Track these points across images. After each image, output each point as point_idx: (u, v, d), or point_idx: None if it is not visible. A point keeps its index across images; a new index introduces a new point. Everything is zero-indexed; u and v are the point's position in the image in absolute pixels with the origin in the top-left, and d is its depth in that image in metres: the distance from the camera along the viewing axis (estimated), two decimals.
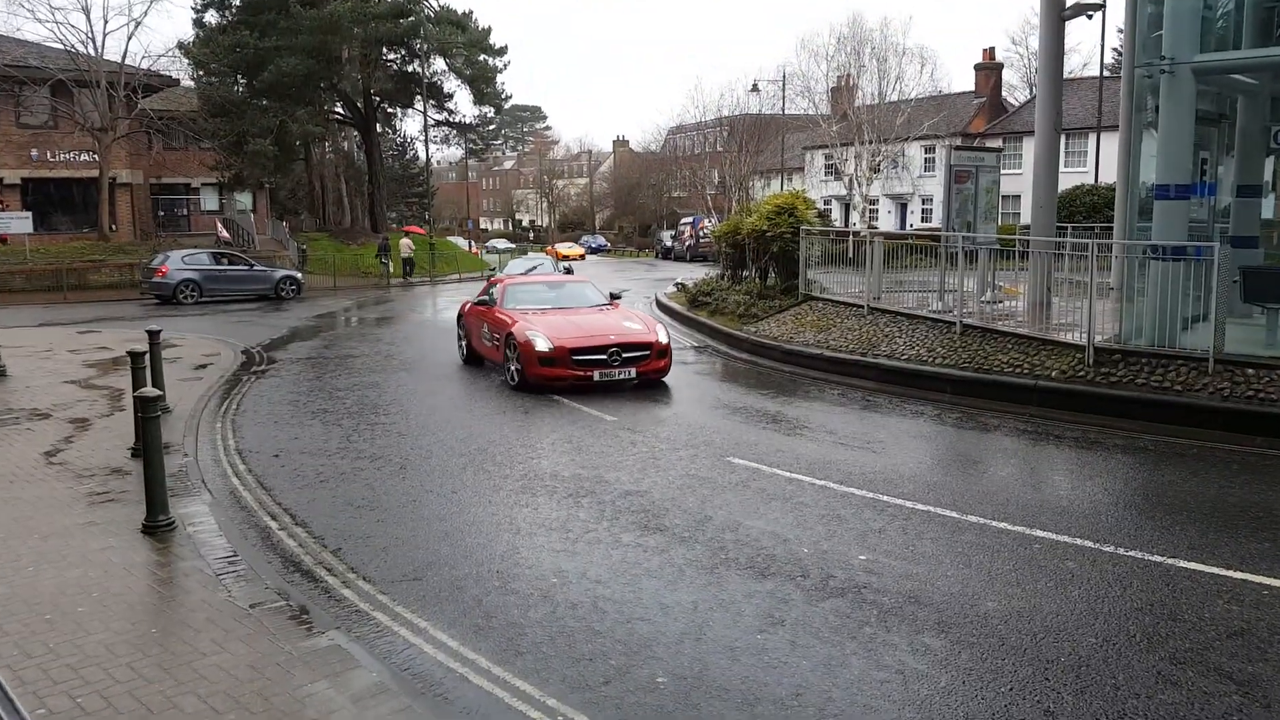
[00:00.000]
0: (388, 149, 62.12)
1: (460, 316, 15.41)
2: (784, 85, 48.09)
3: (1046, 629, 5.13)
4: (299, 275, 31.19)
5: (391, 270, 39.42)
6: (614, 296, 14.88)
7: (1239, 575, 5.82)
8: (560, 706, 4.46)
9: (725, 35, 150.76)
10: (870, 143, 42.61)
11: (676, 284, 26.26)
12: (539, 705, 4.49)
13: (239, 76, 40.48)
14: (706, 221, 49.64)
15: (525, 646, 5.05)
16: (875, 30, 53.46)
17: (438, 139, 54.29)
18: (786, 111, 49.64)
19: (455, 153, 76.39)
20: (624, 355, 12.13)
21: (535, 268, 27.18)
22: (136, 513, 7.02)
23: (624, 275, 38.84)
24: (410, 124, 71.33)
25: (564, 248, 58.85)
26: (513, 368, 12.32)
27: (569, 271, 27.45)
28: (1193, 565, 6.00)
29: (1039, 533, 6.64)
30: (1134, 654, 4.83)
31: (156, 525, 6.74)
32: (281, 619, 5.32)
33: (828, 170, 52.88)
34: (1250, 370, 9.94)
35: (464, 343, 15.04)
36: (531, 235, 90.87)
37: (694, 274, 28.62)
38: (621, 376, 12.08)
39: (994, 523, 6.87)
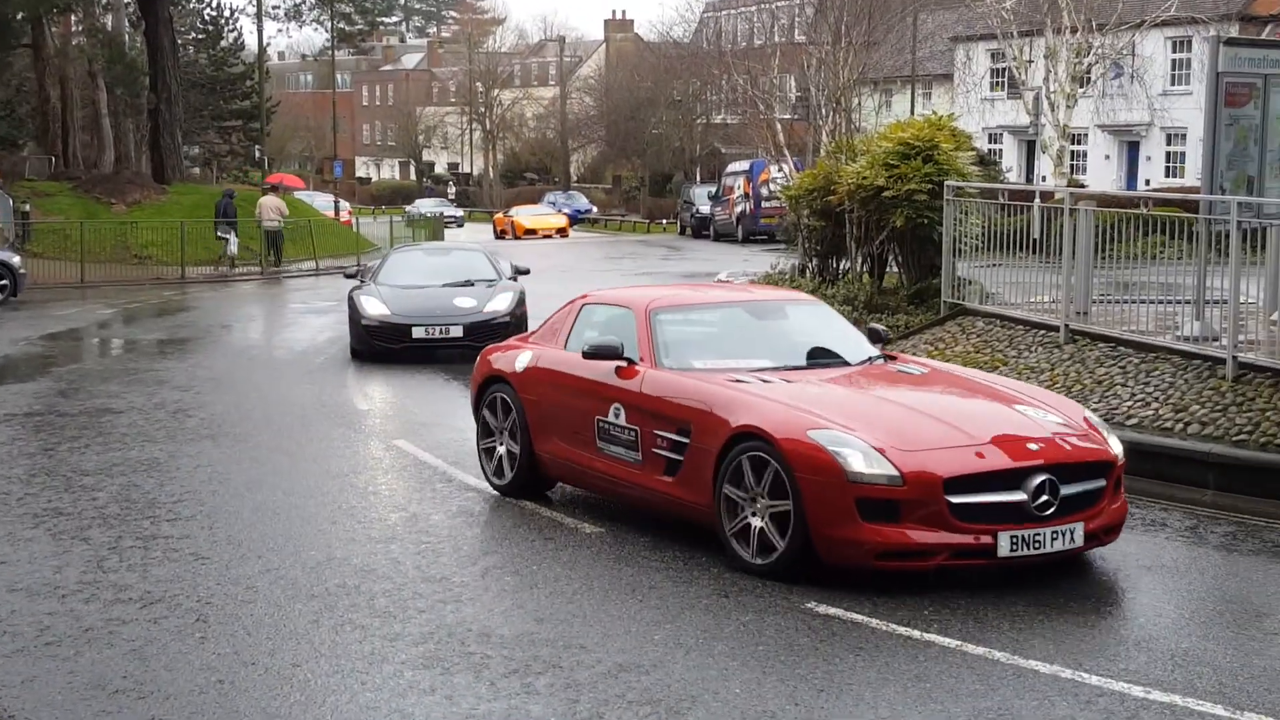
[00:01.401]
0: (186, 28, 62.17)
1: (489, 384, 12.22)
2: None
3: None
4: (16, 261, 31.11)
5: (236, 251, 40.38)
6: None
7: None
8: None
9: None
10: (1075, 31, 42.89)
11: (719, 283, 26.38)
12: None
13: None
14: (774, 170, 49.78)
15: None
16: None
17: (280, 11, 54.49)
18: None
19: (313, 38, 76.82)
20: (1062, 490, 9.05)
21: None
22: None
23: (623, 266, 39.19)
24: None
25: (528, 215, 58.39)
26: (756, 523, 9.19)
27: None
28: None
29: None
30: None
31: None
32: None
33: (997, 81, 53.31)
34: None
35: (506, 443, 11.84)
36: (451, 191, 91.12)
37: (750, 264, 28.88)
38: (1057, 545, 9.05)
39: None
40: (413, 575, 9.62)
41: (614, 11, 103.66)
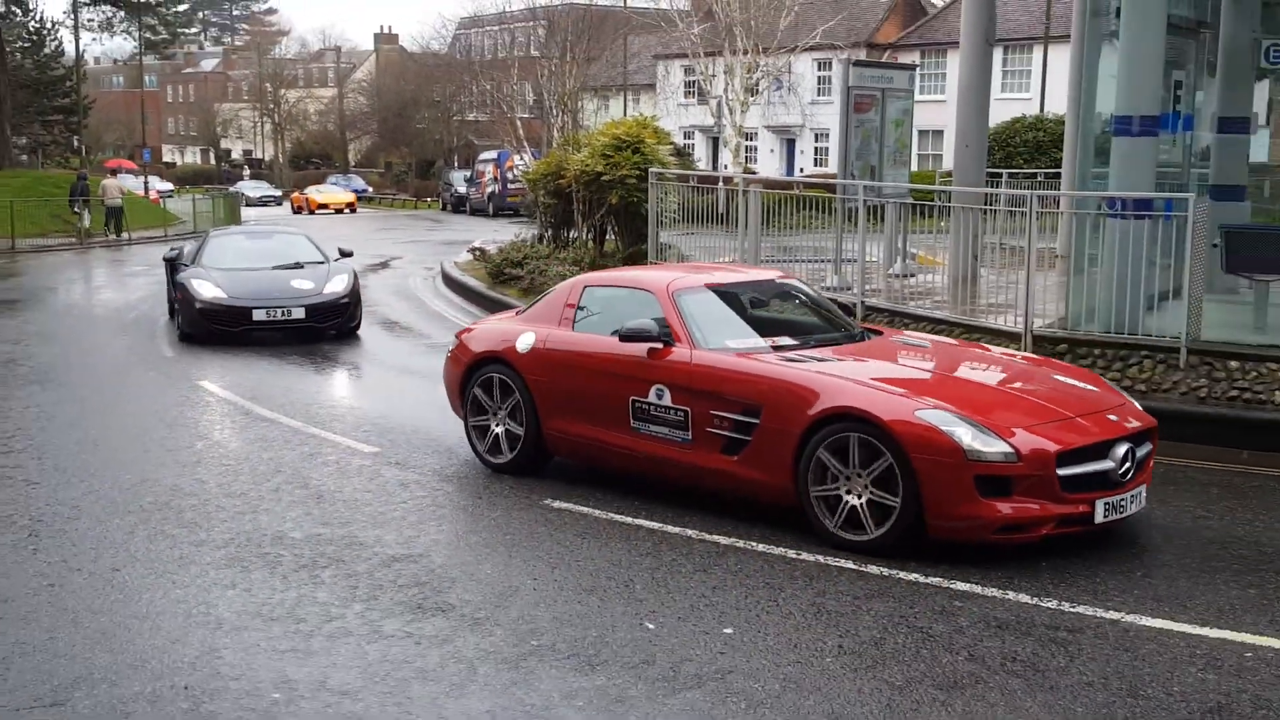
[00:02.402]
0: (13, 36, 58.84)
1: (481, 365, 9.75)
2: None
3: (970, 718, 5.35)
4: None
5: (90, 223, 38.82)
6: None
7: (1216, 634, 6.24)
8: None
9: None
10: (746, 53, 43.53)
11: (473, 249, 26.14)
12: None
13: None
14: (517, 159, 49.52)
15: None
16: None
17: (95, 23, 51.97)
18: (630, 4, 50.15)
19: (124, 45, 73.24)
20: (1137, 454, 8.08)
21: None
22: None
23: (395, 236, 38.48)
24: (50, 2, 67.64)
25: (321, 192, 56.48)
26: (853, 500, 7.67)
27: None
28: (1157, 623, 6.39)
29: (956, 584, 6.93)
30: None
31: None
32: None
33: (688, 90, 53.83)
34: (1233, 363, 10.69)
35: (505, 424, 9.63)
36: (247, 172, 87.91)
37: (499, 234, 28.59)
38: (1133, 508, 8.01)
39: (868, 568, 7.14)
40: (215, 492, 9.31)
41: (382, 26, 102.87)
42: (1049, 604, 6.77)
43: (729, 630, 6.43)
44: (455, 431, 11.12)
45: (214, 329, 16.16)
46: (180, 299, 16.62)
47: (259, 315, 16.11)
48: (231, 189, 66.48)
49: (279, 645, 6.32)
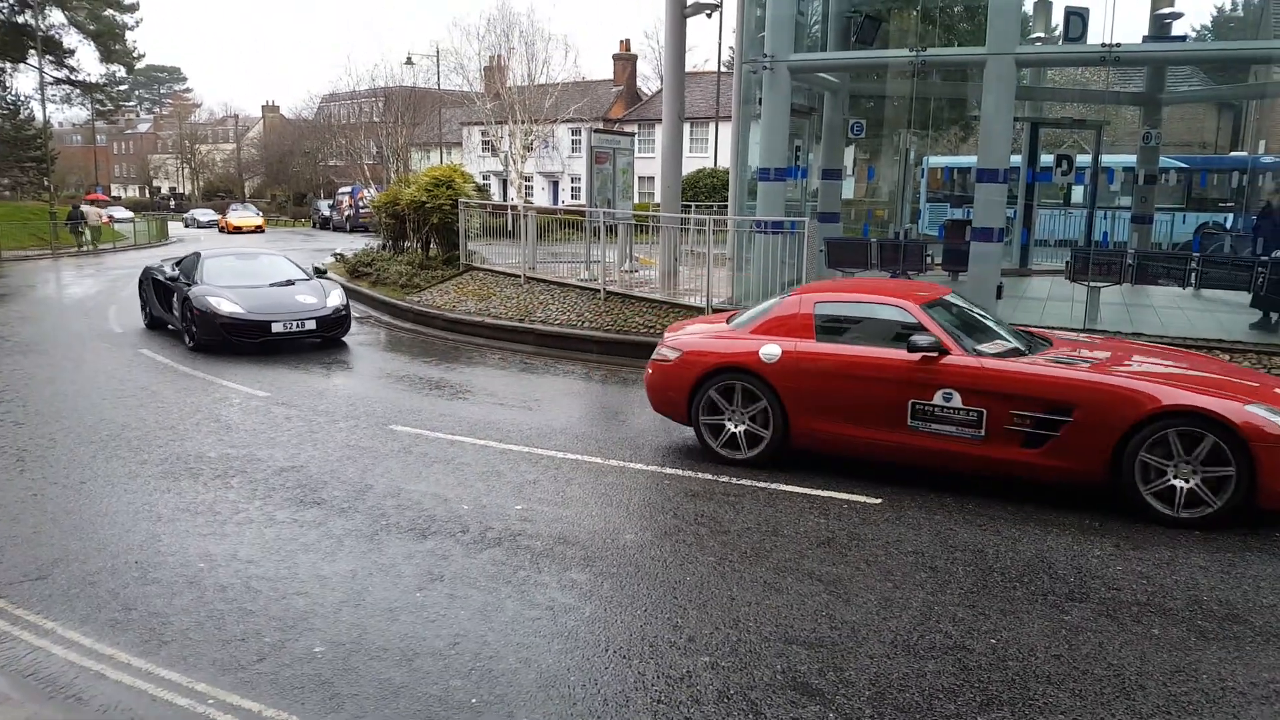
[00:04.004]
0: None
1: (718, 374, 7.57)
2: (439, 60, 47.30)
3: (674, 553, 5.56)
4: None
5: (90, 238, 36.18)
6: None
7: (826, 494, 6.67)
8: (211, 690, 4.15)
9: (375, 11, 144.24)
10: (523, 122, 42.98)
11: (336, 254, 25.01)
12: (187, 692, 4.15)
13: None
14: (366, 191, 47.60)
15: (170, 635, 4.64)
16: (523, 15, 56.18)
17: (58, 99, 47.33)
18: (442, 87, 48.78)
19: (80, 114, 67.11)
20: None
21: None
22: None
23: (280, 246, 36.30)
24: (23, 80, 61.34)
25: (236, 217, 51.07)
26: (1182, 484, 6.13)
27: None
28: (791, 488, 6.77)
29: (669, 470, 7.17)
30: (745, 568, 5.38)
31: None
32: None
33: (485, 147, 52.63)
34: None
35: (745, 425, 7.49)
36: (173, 204, 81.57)
37: (354, 244, 27.42)
38: None
39: (632, 464, 7.32)
40: (152, 425, 8.73)
41: (268, 100, 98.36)
42: (723, 478, 7.08)
43: (519, 506, 6.47)
44: (330, 385, 10.72)
45: (234, 341, 12.72)
46: (197, 314, 12.73)
47: (278, 328, 12.78)
48: (186, 215, 61.47)
49: (202, 531, 6.01)
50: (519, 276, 15.81)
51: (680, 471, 7.18)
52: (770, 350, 7.33)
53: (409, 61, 46.97)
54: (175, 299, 13.56)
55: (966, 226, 12.56)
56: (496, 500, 6.52)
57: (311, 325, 12.95)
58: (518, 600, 4.97)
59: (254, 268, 14.29)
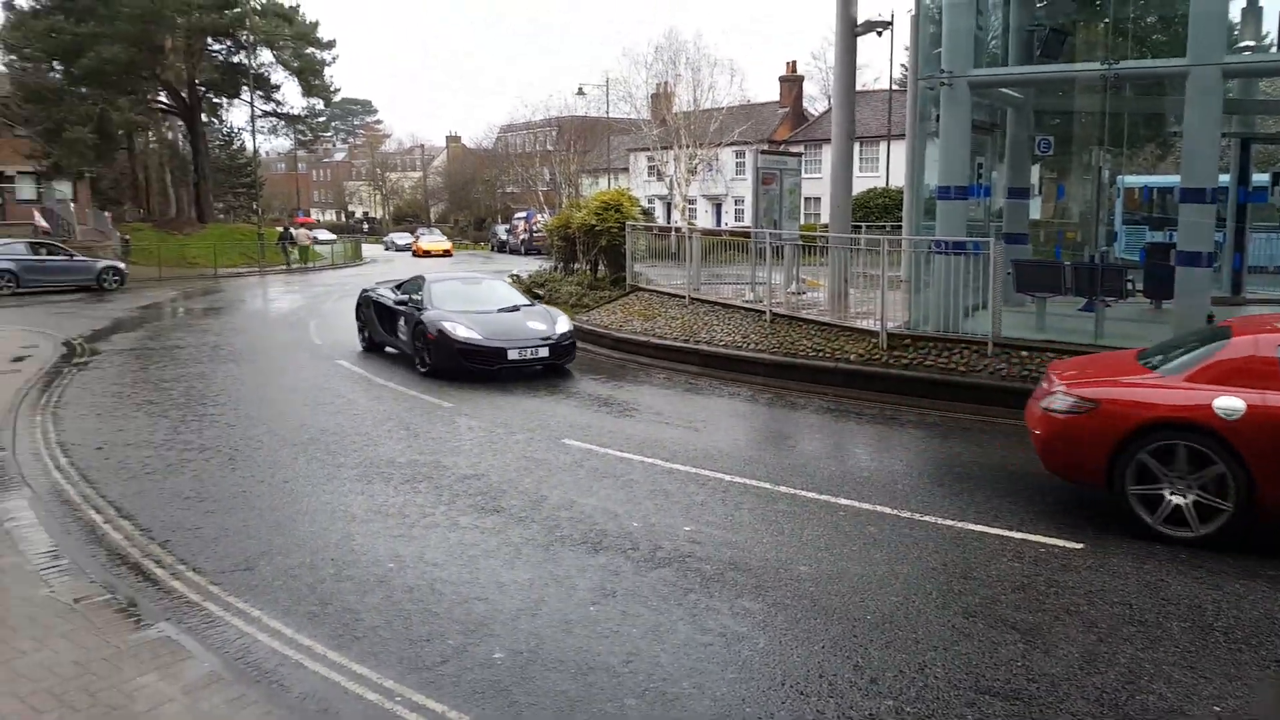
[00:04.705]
0: (214, 139, 58.25)
1: (1152, 431, 6.09)
2: (608, 90, 48.45)
3: (853, 589, 5.31)
4: (122, 266, 28.84)
5: (299, 257, 39.65)
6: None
7: (1020, 535, 6.19)
8: (398, 687, 4.26)
9: (551, 44, 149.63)
10: (687, 147, 43.39)
11: (512, 276, 25.80)
12: (376, 687, 4.27)
13: (54, 63, 37.09)
14: (539, 216, 49.24)
15: (362, 631, 4.81)
16: (689, 43, 57.45)
17: (265, 129, 51.61)
18: (611, 115, 49.94)
19: (284, 144, 72.79)
20: None
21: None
22: None
23: (464, 268, 38.00)
24: (237, 114, 67.67)
25: (426, 242, 51.80)
26: None
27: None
28: (980, 528, 6.33)
29: (843, 500, 6.89)
30: (931, 610, 5.06)
31: None
32: (108, 613, 4.90)
33: (650, 171, 53.46)
34: (1024, 352, 10.65)
35: (1193, 494, 5.98)
36: (366, 228, 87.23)
37: (528, 266, 28.30)
38: None
39: (804, 492, 7.08)
40: (349, 432, 9.18)
41: (451, 131, 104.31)
42: (904, 514, 6.74)
43: (689, 528, 6.38)
44: (507, 399, 10.97)
45: (470, 367, 11.98)
46: (432, 339, 12.08)
47: (513, 355, 12.01)
48: (385, 239, 65.32)
49: (392, 532, 6.24)
50: (683, 297, 15.82)
51: (854, 503, 6.88)
52: (1229, 404, 5.82)
53: (580, 92, 48.52)
54: (403, 323, 13.01)
55: (1170, 250, 11.59)
56: (665, 520, 6.46)
57: (544, 353, 12.19)
58: (689, 624, 4.86)
59: (478, 292, 13.66)
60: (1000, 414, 9.71)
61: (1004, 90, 13.38)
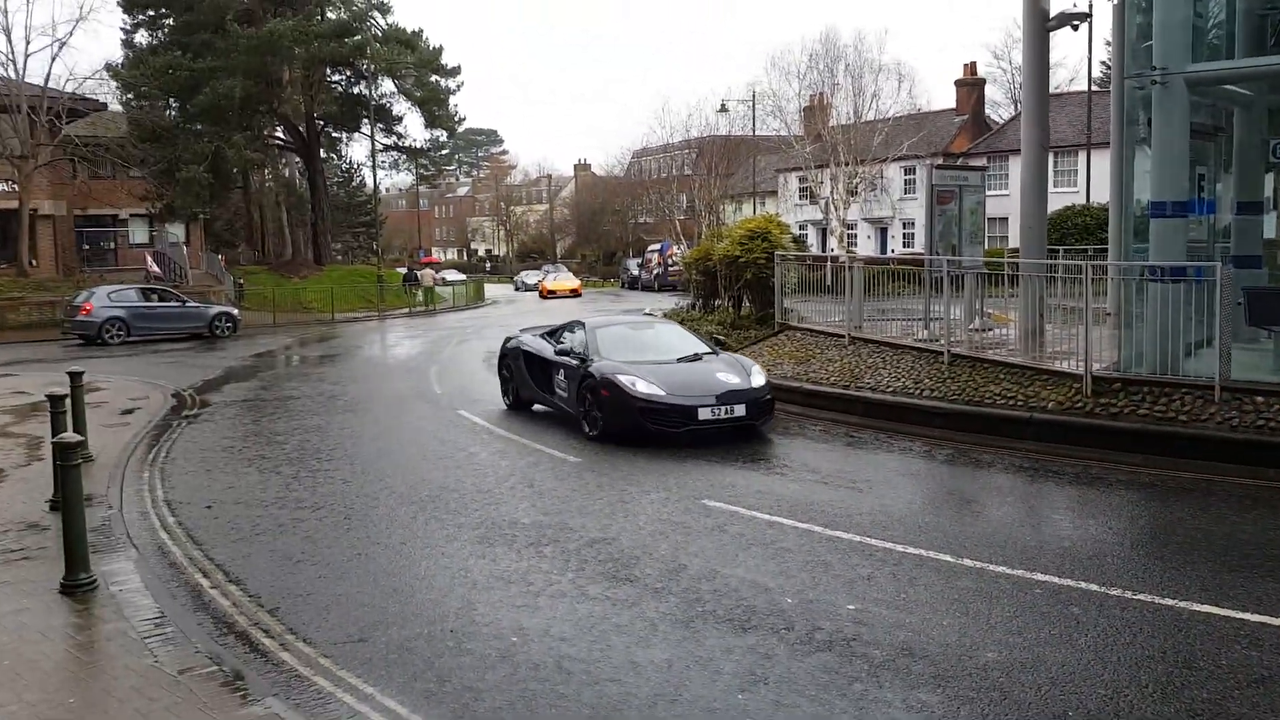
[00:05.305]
0: (332, 175, 62.18)
1: None
2: (754, 105, 48.75)
3: (1052, 681, 5.06)
4: (235, 312, 30.97)
5: (422, 299, 42.76)
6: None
7: (1256, 618, 5.79)
8: None
9: (690, 54, 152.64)
10: (846, 164, 43.08)
11: (644, 314, 26.32)
12: None
13: (171, 100, 40.61)
14: (675, 248, 49.92)
15: (482, 713, 4.90)
16: (849, 46, 54.98)
17: (386, 164, 54.60)
18: (757, 133, 50.22)
19: (405, 179, 76.94)
20: None
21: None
22: (54, 571, 6.81)
23: (591, 307, 38.89)
24: (356, 149, 71.85)
25: (552, 281, 52.84)
26: None
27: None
28: (1206, 608, 5.97)
29: (1040, 576, 6.59)
30: (1148, 706, 4.77)
31: (76, 584, 6.56)
32: (213, 686, 5.17)
33: (802, 194, 53.37)
34: (1259, 398, 9.99)
35: None
36: (489, 266, 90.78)
37: (662, 303, 28.72)
38: None
39: (992, 566, 6.81)
40: (470, 489, 9.47)
41: (579, 159, 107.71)
42: (1113, 592, 6.40)
43: (852, 606, 6.24)
44: (639, 453, 11.07)
45: (651, 429, 11.09)
46: (605, 396, 11.32)
47: (704, 414, 11.07)
48: (516, 278, 68.31)
49: (516, 602, 6.38)
50: (842, 336, 15.62)
51: (1053, 579, 6.57)
52: None
53: (723, 109, 48.90)
54: (562, 377, 12.45)
55: None
56: (825, 596, 6.34)
57: (740, 411, 11.25)
58: (855, 718, 4.73)
59: (650, 339, 12.92)
60: (1230, 471, 9.16)
61: (1229, 87, 12.75)
